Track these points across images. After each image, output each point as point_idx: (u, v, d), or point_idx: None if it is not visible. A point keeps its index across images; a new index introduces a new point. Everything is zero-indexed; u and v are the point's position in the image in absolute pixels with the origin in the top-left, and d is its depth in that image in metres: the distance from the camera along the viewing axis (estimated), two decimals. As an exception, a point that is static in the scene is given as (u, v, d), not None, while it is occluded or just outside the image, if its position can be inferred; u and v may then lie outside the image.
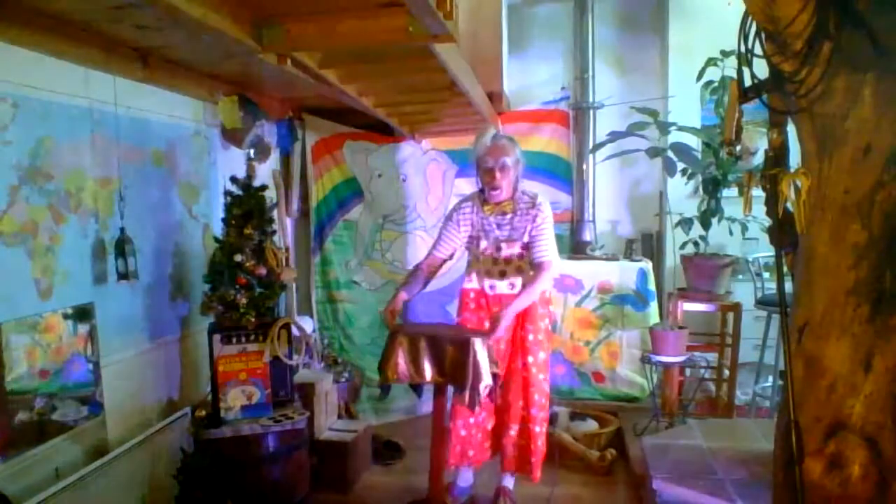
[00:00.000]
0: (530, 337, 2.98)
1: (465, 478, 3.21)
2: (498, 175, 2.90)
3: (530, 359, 2.99)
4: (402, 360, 2.74)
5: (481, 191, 3.05)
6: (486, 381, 2.65)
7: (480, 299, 3.09)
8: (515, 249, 2.98)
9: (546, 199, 3.05)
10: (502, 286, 3.02)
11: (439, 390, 2.88)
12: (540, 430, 3.03)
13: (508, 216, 2.98)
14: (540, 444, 3.05)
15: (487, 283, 3.05)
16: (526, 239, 2.96)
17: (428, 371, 2.73)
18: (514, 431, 3.04)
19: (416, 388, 2.94)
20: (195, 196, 3.31)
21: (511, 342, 3.02)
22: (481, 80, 3.65)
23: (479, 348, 2.66)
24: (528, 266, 2.99)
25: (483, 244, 3.03)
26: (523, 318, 3.00)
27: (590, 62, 4.63)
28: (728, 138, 2.09)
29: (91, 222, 2.60)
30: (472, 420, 3.05)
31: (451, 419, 3.06)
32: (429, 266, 3.08)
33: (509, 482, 3.17)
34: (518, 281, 3.00)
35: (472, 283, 3.10)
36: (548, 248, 2.94)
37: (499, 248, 3.00)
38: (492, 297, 3.06)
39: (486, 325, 2.93)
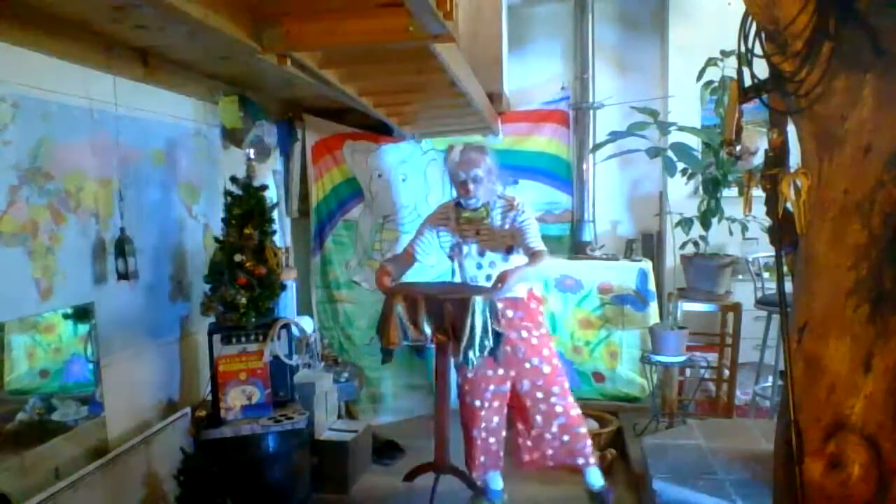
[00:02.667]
0: (535, 334, 3.04)
1: (496, 481, 3.21)
2: (471, 187, 2.97)
3: (545, 351, 3.06)
4: (401, 322, 2.74)
5: (457, 202, 3.11)
6: (486, 341, 2.66)
7: None
8: (500, 253, 3.03)
9: (525, 200, 3.11)
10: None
11: (441, 350, 2.89)
12: (576, 413, 3.08)
13: (487, 220, 3.03)
14: (583, 429, 3.10)
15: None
16: (509, 242, 2.99)
17: (427, 330, 2.74)
18: (554, 429, 3.07)
19: (418, 349, 2.98)
20: (195, 196, 3.31)
21: (513, 345, 3.04)
22: (481, 80, 3.65)
23: (480, 306, 2.65)
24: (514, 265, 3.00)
25: (465, 249, 3.07)
26: (521, 319, 3.04)
27: (590, 62, 4.63)
28: (728, 138, 2.09)
29: (91, 222, 2.60)
30: (483, 425, 3.08)
31: (468, 428, 3.11)
32: (404, 258, 3.16)
33: (596, 477, 3.13)
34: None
35: None
36: (538, 239, 2.96)
37: (482, 253, 3.04)
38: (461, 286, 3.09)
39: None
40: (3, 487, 2.08)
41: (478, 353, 2.67)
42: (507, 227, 2.99)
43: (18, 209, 2.24)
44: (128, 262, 2.67)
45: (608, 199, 4.79)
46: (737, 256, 4.08)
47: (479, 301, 2.65)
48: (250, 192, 3.03)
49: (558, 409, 3.05)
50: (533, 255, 2.92)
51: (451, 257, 3.16)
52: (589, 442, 3.11)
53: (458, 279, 3.16)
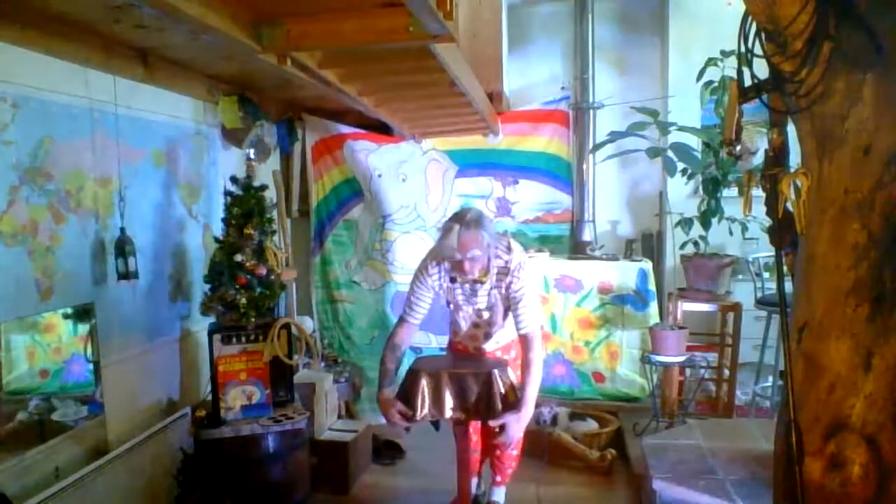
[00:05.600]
0: (518, 372, 2.92)
1: (473, 484, 3.19)
2: (468, 266, 2.76)
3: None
4: (425, 399, 2.71)
5: (452, 277, 2.90)
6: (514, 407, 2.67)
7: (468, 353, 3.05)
8: (498, 314, 2.92)
9: (523, 255, 2.92)
10: (490, 345, 2.99)
11: (462, 429, 2.86)
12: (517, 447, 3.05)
13: (485, 285, 2.86)
14: (515, 451, 3.08)
15: (472, 345, 3.01)
16: (506, 304, 2.89)
17: (450, 407, 2.72)
18: (498, 449, 3.04)
19: (435, 423, 2.88)
20: (195, 196, 3.31)
21: None
22: (481, 80, 3.64)
23: (501, 379, 2.68)
24: (513, 325, 2.93)
25: (462, 311, 2.95)
26: (513, 360, 2.99)
27: (590, 62, 4.62)
28: (728, 138, 2.09)
29: (91, 222, 2.60)
30: (474, 438, 3.05)
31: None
32: (405, 338, 2.93)
33: (500, 496, 3.17)
34: (503, 338, 2.98)
35: (458, 339, 3.07)
36: (529, 317, 2.82)
37: (479, 315, 2.94)
38: (477, 355, 3.02)
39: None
40: (3, 487, 2.09)
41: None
42: (502, 291, 2.85)
43: (18, 209, 2.24)
44: (128, 262, 2.67)
45: (608, 199, 4.79)
46: (737, 256, 4.08)
47: (497, 375, 2.68)
48: (250, 192, 3.03)
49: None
50: (524, 339, 2.81)
51: (448, 307, 3.06)
52: (514, 464, 3.12)
53: (457, 336, 3.07)
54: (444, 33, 2.26)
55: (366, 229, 4.59)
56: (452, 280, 2.89)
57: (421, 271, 2.94)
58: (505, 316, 2.94)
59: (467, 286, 2.89)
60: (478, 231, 2.77)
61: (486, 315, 2.93)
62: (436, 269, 2.92)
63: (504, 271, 2.83)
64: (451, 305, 2.99)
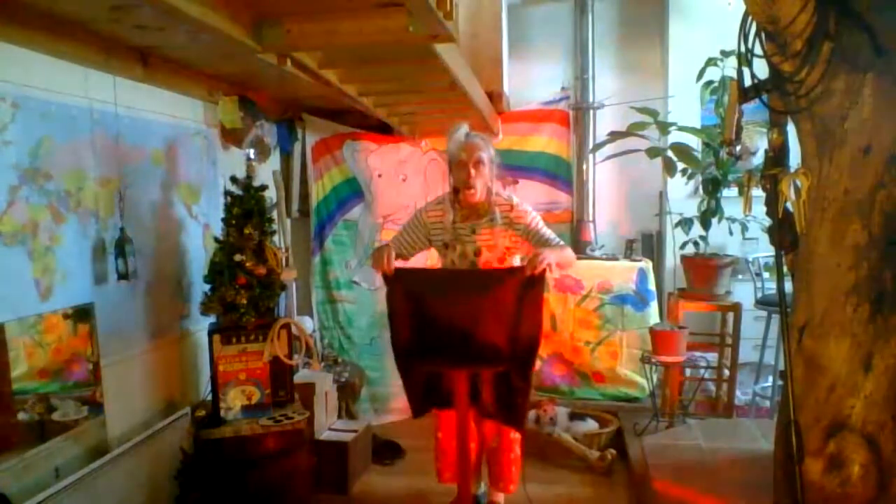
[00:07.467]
0: None
1: (476, 486, 3.16)
2: (472, 172, 2.74)
3: None
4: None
5: (455, 191, 2.88)
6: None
7: None
8: (496, 254, 2.86)
9: (522, 199, 2.93)
10: None
11: (461, 413, 2.74)
12: (513, 437, 2.99)
13: (485, 220, 2.84)
14: (511, 455, 3.01)
15: None
16: (507, 244, 2.85)
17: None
18: (498, 446, 2.99)
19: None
20: (195, 196, 3.31)
21: None
22: (481, 80, 3.65)
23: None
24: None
25: (459, 249, 2.87)
26: None
27: (590, 62, 4.63)
28: (728, 138, 2.09)
29: (91, 222, 2.60)
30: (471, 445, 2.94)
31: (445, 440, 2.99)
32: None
33: (501, 498, 3.12)
34: None
35: None
36: (555, 236, 2.81)
37: (478, 254, 2.86)
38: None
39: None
40: (3, 487, 2.09)
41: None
42: (507, 231, 2.82)
43: (18, 209, 2.24)
44: (128, 262, 2.67)
45: (608, 199, 4.79)
46: (737, 256, 4.08)
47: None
48: (250, 192, 3.03)
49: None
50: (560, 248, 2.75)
51: (441, 255, 2.98)
52: (514, 468, 3.02)
53: None
54: (444, 33, 2.27)
55: (366, 229, 4.58)
56: (456, 190, 2.84)
57: (423, 212, 2.95)
58: (501, 260, 2.87)
59: (468, 224, 2.86)
60: (486, 143, 2.83)
61: (485, 252, 2.86)
62: (437, 206, 2.93)
63: (507, 208, 2.84)
64: (448, 247, 2.90)
